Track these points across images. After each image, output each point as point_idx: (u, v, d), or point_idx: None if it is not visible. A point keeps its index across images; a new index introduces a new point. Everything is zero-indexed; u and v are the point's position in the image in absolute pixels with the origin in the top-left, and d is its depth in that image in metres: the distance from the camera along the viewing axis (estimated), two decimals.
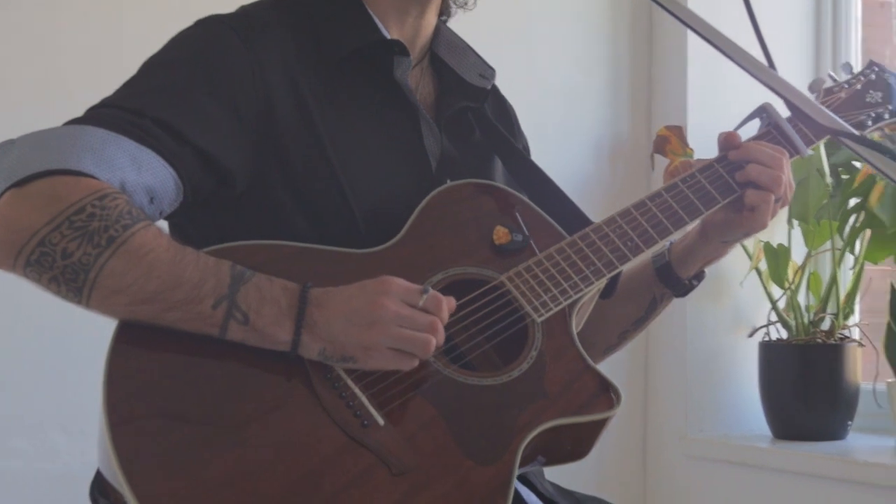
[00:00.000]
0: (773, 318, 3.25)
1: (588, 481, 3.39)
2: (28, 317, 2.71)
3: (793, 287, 3.21)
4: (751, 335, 3.31)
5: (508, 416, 1.62)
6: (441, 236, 1.75)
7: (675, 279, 1.97)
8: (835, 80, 2.03)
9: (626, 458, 3.48)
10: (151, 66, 1.72)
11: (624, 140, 3.49)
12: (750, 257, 3.24)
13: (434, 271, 1.71)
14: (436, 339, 1.58)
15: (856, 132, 1.51)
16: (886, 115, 2.00)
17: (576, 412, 1.66)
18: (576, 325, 1.74)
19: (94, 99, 1.68)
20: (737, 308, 3.38)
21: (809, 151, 1.89)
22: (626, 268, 1.79)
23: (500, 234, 1.76)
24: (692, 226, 1.87)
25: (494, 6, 3.19)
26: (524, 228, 1.77)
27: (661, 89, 3.47)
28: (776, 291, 3.25)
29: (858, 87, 2.01)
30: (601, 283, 1.77)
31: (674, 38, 3.37)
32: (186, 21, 1.77)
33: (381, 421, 1.57)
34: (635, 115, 3.50)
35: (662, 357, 3.42)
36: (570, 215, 1.84)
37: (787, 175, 1.85)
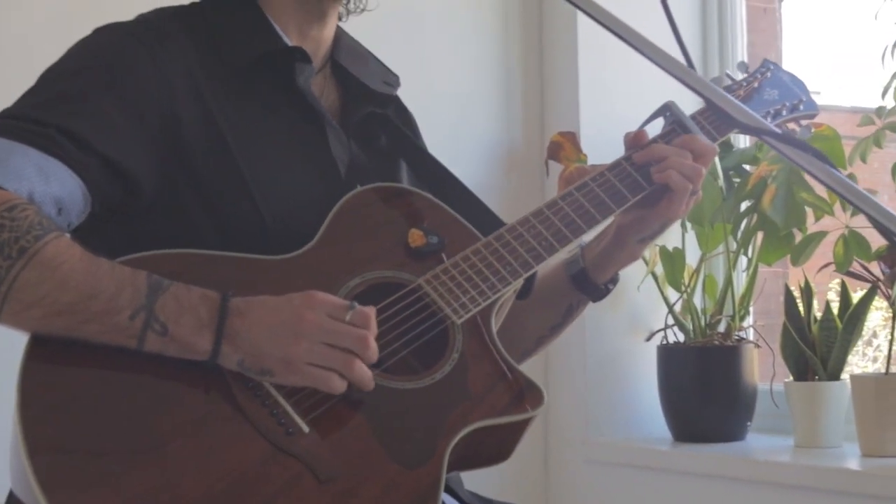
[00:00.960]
0: (671, 321, 3.28)
1: (491, 486, 3.37)
2: None
3: (689, 290, 3.24)
4: (648, 339, 3.34)
5: (434, 419, 1.61)
6: (356, 241, 1.73)
7: (590, 285, 1.97)
8: (732, 80, 2.06)
9: (528, 462, 3.47)
10: (53, 75, 1.69)
11: (517, 146, 3.50)
12: (646, 262, 3.26)
13: (351, 276, 1.69)
14: (365, 355, 1.56)
15: (777, 130, 1.52)
16: (784, 112, 2.03)
17: (501, 413, 1.65)
18: (495, 325, 1.74)
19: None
20: (634, 312, 3.40)
21: (715, 147, 1.91)
22: (541, 267, 1.79)
23: (415, 236, 1.75)
24: (604, 224, 1.87)
25: (384, 10, 3.20)
26: (438, 230, 1.76)
27: (553, 95, 3.49)
28: (672, 295, 3.27)
29: (756, 85, 2.04)
30: (518, 283, 1.76)
31: (565, 43, 3.39)
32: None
33: (305, 428, 1.55)
34: (528, 121, 3.51)
35: (562, 362, 3.43)
36: (482, 216, 1.83)
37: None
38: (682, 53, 1.60)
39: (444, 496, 1.79)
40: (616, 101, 3.32)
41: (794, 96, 2.04)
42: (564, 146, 3.28)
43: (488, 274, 1.73)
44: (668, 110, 1.91)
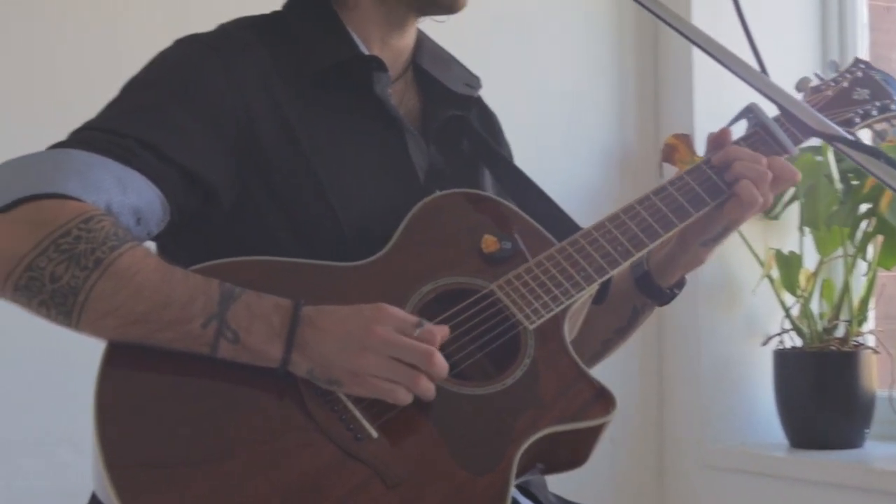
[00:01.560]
0: (787, 325, 3.23)
1: (604, 493, 3.38)
2: (33, 333, 2.71)
3: (805, 294, 3.19)
4: (764, 343, 3.29)
5: (503, 425, 1.61)
6: (430, 247, 1.74)
7: (655, 289, 1.95)
8: (821, 79, 2.02)
9: (643, 468, 3.45)
10: (133, 88, 1.73)
11: (632, 149, 3.48)
12: (762, 265, 3.22)
13: (424, 282, 1.70)
14: (433, 371, 1.57)
15: (846, 135, 1.49)
16: (875, 112, 1.98)
17: (572, 419, 1.64)
18: (568, 331, 1.73)
19: (88, 115, 1.69)
20: (750, 316, 3.36)
21: (797, 150, 1.87)
22: (616, 273, 1.78)
23: (489, 242, 1.75)
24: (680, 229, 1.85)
25: (497, 12, 3.21)
26: (513, 236, 1.76)
27: (668, 97, 3.46)
28: (789, 299, 3.22)
29: (845, 84, 1.99)
30: (592, 289, 1.75)
31: (680, 44, 3.36)
32: (179, 33, 1.78)
33: (374, 434, 1.56)
34: (643, 123, 3.49)
35: (676, 367, 3.40)
36: (559, 222, 1.83)
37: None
38: (754, 57, 1.58)
39: (524, 500, 1.80)
40: (731, 103, 3.25)
41: (886, 96, 1.99)
42: (679, 148, 3.26)
43: (562, 279, 1.73)
44: (750, 112, 1.88)
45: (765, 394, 3.28)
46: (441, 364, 1.57)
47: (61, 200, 1.56)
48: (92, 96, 1.75)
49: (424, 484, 1.55)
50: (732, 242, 3.19)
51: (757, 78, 1.51)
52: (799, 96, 1.98)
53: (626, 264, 1.77)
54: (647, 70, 3.50)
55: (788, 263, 3.19)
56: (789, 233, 3.26)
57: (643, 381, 3.43)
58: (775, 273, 3.23)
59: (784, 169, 1.83)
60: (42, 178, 1.57)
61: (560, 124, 3.36)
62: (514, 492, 1.76)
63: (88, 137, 1.64)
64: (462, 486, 1.56)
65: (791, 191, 3.22)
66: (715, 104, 3.35)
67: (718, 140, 1.87)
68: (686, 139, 3.25)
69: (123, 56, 2.41)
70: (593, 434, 1.67)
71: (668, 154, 3.25)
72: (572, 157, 3.37)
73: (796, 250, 3.20)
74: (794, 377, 3.17)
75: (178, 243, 1.74)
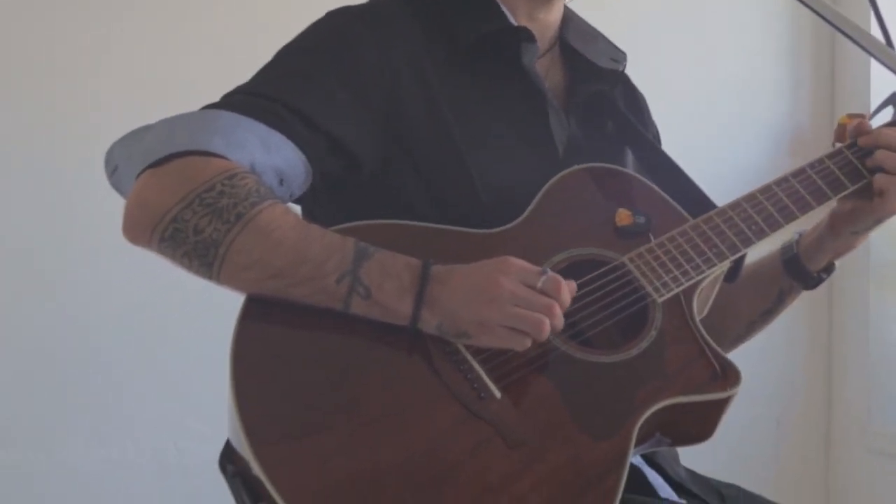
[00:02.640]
0: None
1: (767, 475, 3.35)
2: (159, 314, 2.84)
3: None
4: None
5: (625, 394, 1.64)
6: (564, 218, 1.77)
7: (803, 272, 1.95)
8: None
9: (809, 451, 3.42)
10: (283, 55, 1.80)
11: (804, 130, 3.43)
12: None
13: (556, 252, 1.73)
14: (552, 322, 1.59)
15: None
16: None
17: (694, 391, 1.66)
18: (698, 308, 1.74)
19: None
20: None
21: None
22: (749, 251, 1.78)
23: (623, 216, 1.77)
24: (819, 211, 1.84)
25: None
26: (648, 211, 1.78)
27: (844, 76, 3.40)
28: None
29: None
30: (724, 266, 1.77)
31: (856, 21, 3.29)
32: (317, 13, 1.84)
33: (497, 394, 1.60)
34: (817, 105, 3.44)
35: (845, 349, 3.35)
36: (697, 201, 1.84)
37: None
38: (881, 31, 1.56)
39: (650, 471, 1.82)
40: None
41: None
42: None
43: (693, 255, 1.74)
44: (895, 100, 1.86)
45: None
46: (560, 317, 1.60)
47: (207, 157, 1.63)
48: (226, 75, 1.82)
49: (545, 445, 1.58)
50: None
51: (883, 52, 1.50)
52: None
53: (759, 243, 1.77)
54: (823, 50, 3.44)
55: None
56: None
57: (811, 362, 3.39)
58: None
59: None
60: (189, 136, 1.65)
61: (731, 109, 3.34)
62: (639, 462, 1.80)
63: (238, 100, 1.71)
64: (581, 450, 1.59)
65: None
66: (892, 82, 3.27)
67: (858, 130, 1.87)
68: (860, 119, 3.18)
69: (257, 37, 2.48)
70: (717, 408, 1.68)
71: (841, 134, 3.19)
72: (743, 140, 3.35)
73: None
74: None
75: (318, 206, 1.81)
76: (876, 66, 3.27)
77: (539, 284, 1.60)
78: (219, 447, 1.64)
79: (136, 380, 2.91)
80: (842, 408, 3.39)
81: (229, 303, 1.64)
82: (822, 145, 3.36)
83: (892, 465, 3.24)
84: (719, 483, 1.94)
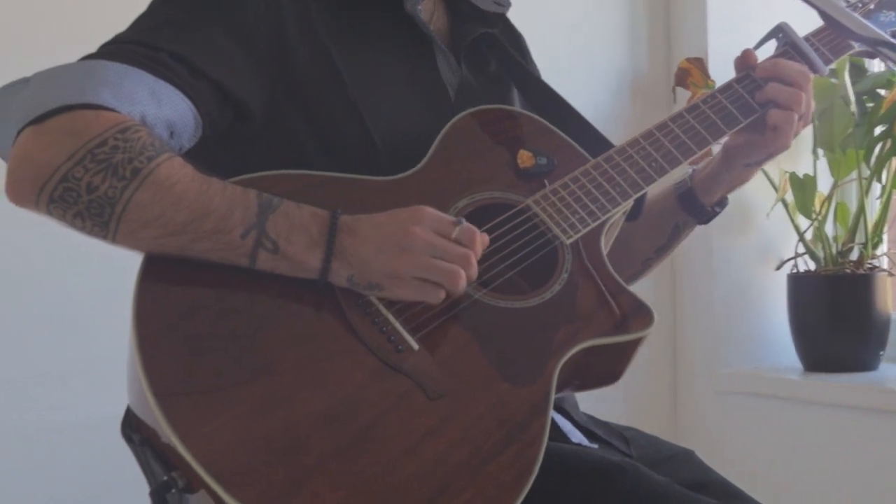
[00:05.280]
0: (801, 249, 3.22)
1: (617, 417, 3.38)
2: (44, 266, 2.69)
3: (820, 218, 3.18)
4: (779, 268, 3.29)
5: (543, 338, 1.61)
6: (465, 162, 1.73)
7: (697, 206, 1.96)
8: (847, 1, 2.00)
9: (657, 392, 3.47)
10: (162, 2, 1.71)
11: (643, 74, 3.46)
12: (776, 188, 3.21)
13: (459, 196, 1.69)
14: (467, 273, 1.56)
15: (890, 38, 1.48)
16: None
17: (611, 332, 1.65)
18: (604, 246, 1.73)
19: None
20: (764, 240, 3.35)
21: (826, 70, 1.88)
22: (651, 189, 1.78)
23: (525, 157, 1.74)
24: (715, 146, 1.85)
25: None
26: (548, 151, 1.76)
27: (680, 21, 3.44)
28: (803, 223, 3.22)
29: (871, 6, 1.98)
30: (628, 205, 1.76)
31: None
32: None
33: (415, 346, 1.56)
34: (654, 48, 3.47)
35: (690, 291, 3.41)
36: (592, 139, 1.82)
37: (808, 93, 1.83)
38: None
39: (557, 417, 1.80)
40: (745, 24, 3.25)
41: None
42: (692, 72, 3.24)
43: (598, 195, 1.73)
44: (780, 31, 1.89)
45: (779, 318, 3.29)
46: (475, 267, 1.57)
47: (96, 111, 1.54)
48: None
49: (466, 396, 1.54)
50: None
51: None
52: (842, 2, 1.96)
53: (659, 180, 1.78)
54: None
55: (803, 186, 3.18)
56: (803, 156, 3.25)
57: (657, 306, 3.39)
58: (789, 197, 3.22)
59: (789, 71, 1.83)
60: (75, 89, 1.55)
61: (571, 52, 3.33)
62: None
63: (120, 50, 1.62)
64: (503, 398, 1.55)
65: None
66: (728, 27, 3.33)
67: (743, 62, 1.88)
68: (699, 63, 3.23)
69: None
70: (631, 348, 1.67)
71: (682, 78, 3.23)
72: (583, 85, 3.35)
73: (811, 173, 3.19)
74: (808, 301, 3.17)
75: (210, 160, 1.72)
76: (712, 9, 3.33)
77: (454, 234, 1.56)
78: None
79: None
80: (688, 350, 3.45)
81: None
82: (662, 90, 3.41)
83: (738, 402, 3.31)
84: (618, 426, 1.94)
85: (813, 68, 1.87)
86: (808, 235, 3.22)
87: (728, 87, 1.86)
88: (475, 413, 1.54)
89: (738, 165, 1.91)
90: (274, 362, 1.51)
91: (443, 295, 1.56)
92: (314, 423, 1.48)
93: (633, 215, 1.82)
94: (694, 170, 1.96)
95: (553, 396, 1.57)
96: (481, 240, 1.59)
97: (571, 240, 1.69)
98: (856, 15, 1.47)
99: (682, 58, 3.29)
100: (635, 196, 1.75)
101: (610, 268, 1.70)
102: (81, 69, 1.59)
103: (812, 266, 3.21)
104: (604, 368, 1.69)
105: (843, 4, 1.97)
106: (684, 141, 1.81)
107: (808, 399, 3.12)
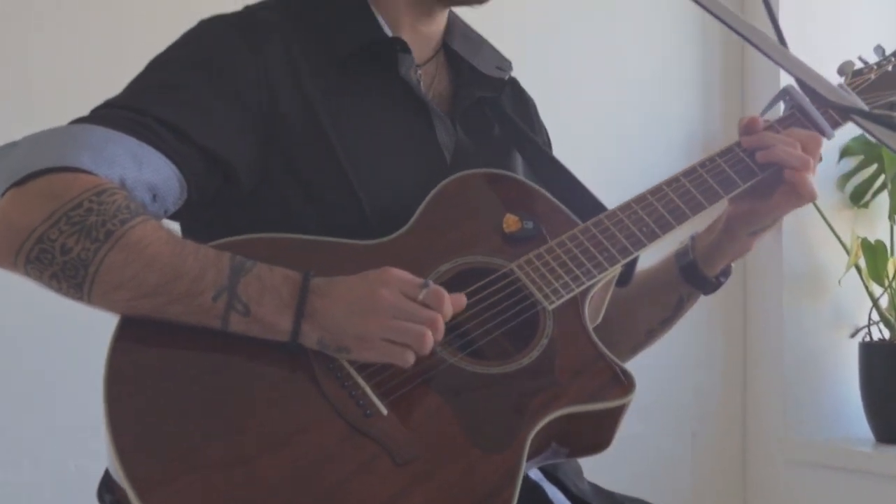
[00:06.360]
0: (875, 317, 3.14)
1: (685, 487, 3.32)
2: (28, 322, 2.74)
3: (894, 285, 3.10)
4: (852, 336, 3.21)
5: (518, 404, 1.59)
6: (450, 225, 1.72)
7: (701, 278, 1.91)
8: (865, 63, 1.96)
9: (726, 461, 3.39)
10: (154, 66, 1.74)
11: (715, 134, 3.42)
12: (848, 254, 3.14)
13: (442, 261, 1.68)
14: (434, 335, 1.55)
15: (863, 106, 1.44)
16: None
17: (588, 399, 1.62)
18: (590, 315, 1.70)
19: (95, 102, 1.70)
20: (836, 307, 3.28)
21: (834, 133, 1.83)
22: (642, 254, 1.74)
23: (510, 221, 1.73)
24: (712, 210, 1.81)
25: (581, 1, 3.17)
26: (536, 216, 1.74)
27: (754, 81, 3.39)
28: (877, 290, 3.14)
29: (889, 68, 1.93)
30: (615, 271, 1.73)
31: (768, 25, 3.28)
32: (188, 23, 1.78)
33: (384, 410, 1.55)
34: (728, 106, 3.43)
35: (760, 358, 3.34)
36: (590, 206, 1.80)
37: (816, 158, 1.80)
38: (773, 29, 1.53)
39: (549, 487, 1.77)
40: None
41: None
42: None
43: (584, 260, 1.70)
44: (787, 94, 1.85)
45: (851, 387, 3.20)
46: (442, 330, 1.55)
47: (74, 174, 1.57)
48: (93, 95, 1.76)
49: (435, 462, 1.53)
50: (818, 230, 3.13)
51: (776, 51, 1.47)
52: (840, 80, 1.92)
53: (650, 245, 1.74)
54: (733, 50, 3.43)
55: (876, 252, 3.11)
56: (878, 221, 3.18)
57: (726, 373, 3.36)
58: (863, 263, 3.14)
59: (804, 134, 1.81)
60: (56, 152, 1.58)
61: (642, 110, 3.31)
62: (538, 477, 1.76)
63: (107, 114, 1.65)
64: (473, 464, 1.54)
65: (880, 178, 3.14)
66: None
67: (749, 127, 1.84)
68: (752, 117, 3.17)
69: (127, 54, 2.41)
70: (613, 416, 1.64)
71: None
72: (654, 143, 3.32)
73: (885, 239, 3.12)
74: (881, 370, 3.09)
75: (198, 221, 1.75)
76: (786, 73, 3.27)
77: (420, 296, 1.55)
78: None
79: (33, 397, 2.80)
80: (758, 418, 3.37)
81: None
82: None
83: (809, 473, 3.22)
84: (624, 497, 1.89)
85: (820, 131, 1.83)
86: (883, 303, 3.13)
87: (728, 150, 1.83)
88: (443, 480, 1.53)
89: (742, 235, 1.87)
90: (242, 425, 1.52)
91: (411, 357, 1.55)
92: (277, 485, 1.48)
93: (622, 281, 1.79)
94: (693, 238, 1.91)
95: (523, 465, 1.54)
96: (456, 302, 1.58)
97: (554, 305, 1.67)
98: (826, 79, 1.43)
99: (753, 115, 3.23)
100: (623, 262, 1.72)
101: (592, 334, 1.67)
102: (66, 133, 1.62)
103: (886, 334, 3.12)
104: (589, 436, 1.66)
105: (853, 73, 1.93)
106: (679, 206, 1.77)
107: (879, 472, 3.03)
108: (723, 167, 1.80)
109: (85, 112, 1.68)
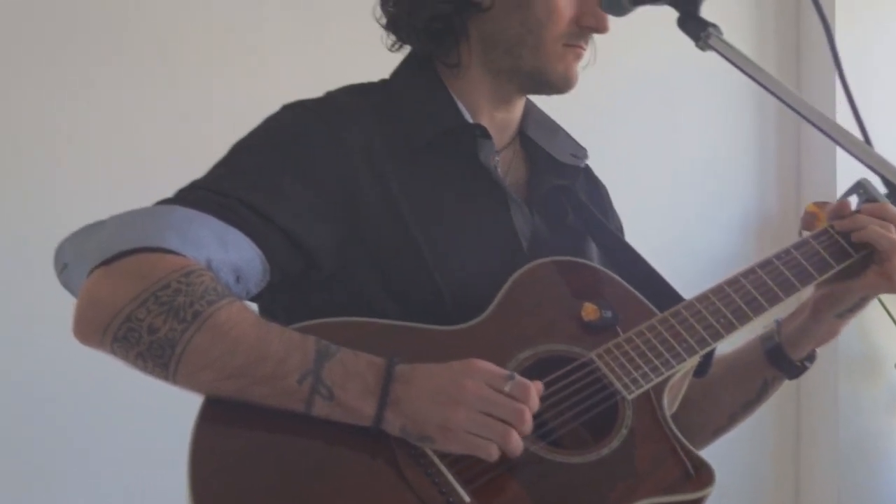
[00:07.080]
0: None
1: None
2: (109, 393, 2.77)
3: None
4: None
5: (597, 495, 1.60)
6: (529, 313, 1.73)
7: (786, 362, 1.92)
8: None
9: None
10: (239, 150, 1.76)
11: (772, 216, 3.42)
12: None
13: (522, 348, 1.69)
14: (520, 428, 1.55)
15: None
16: None
17: (665, 491, 1.62)
18: (668, 403, 1.71)
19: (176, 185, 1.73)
20: (892, 389, 3.26)
21: None
22: (720, 345, 1.75)
23: (589, 310, 1.74)
24: (791, 301, 1.82)
25: (636, 77, 3.19)
26: (614, 305, 1.75)
27: (810, 164, 3.40)
28: None
29: None
30: (694, 361, 1.73)
31: (822, 110, 3.30)
32: (273, 107, 1.81)
33: (467, 499, 1.55)
34: (783, 190, 3.44)
35: (814, 441, 3.32)
36: (664, 295, 1.81)
37: None
38: (859, 128, 1.56)
39: None
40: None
41: None
42: (819, 216, 3.17)
43: (662, 350, 1.71)
44: (861, 187, 1.87)
45: None
46: (530, 422, 1.56)
47: (162, 254, 1.59)
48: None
49: None
50: (873, 312, 3.11)
51: (861, 149, 1.50)
52: None
53: (728, 337, 1.75)
54: (789, 137, 3.45)
55: None
56: None
57: (779, 457, 3.35)
58: None
59: (891, 211, 1.83)
60: (144, 233, 1.61)
61: (698, 192, 3.33)
62: None
63: (192, 195, 1.68)
64: None
65: None
66: (858, 172, 3.27)
67: (839, 212, 1.85)
68: (826, 206, 3.17)
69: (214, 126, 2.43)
70: None
71: (809, 222, 3.16)
72: (710, 225, 3.33)
73: None
74: None
75: (278, 304, 1.76)
76: (841, 153, 3.28)
77: (507, 388, 1.56)
78: None
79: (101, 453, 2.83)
80: (810, 499, 3.35)
81: None
82: (790, 232, 3.36)
83: None
84: None
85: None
86: None
87: (803, 243, 1.84)
88: None
89: (828, 317, 1.88)
90: None
91: (496, 451, 1.55)
92: None
93: (700, 371, 1.79)
94: (779, 323, 1.92)
95: None
96: (537, 391, 1.58)
97: (633, 395, 1.67)
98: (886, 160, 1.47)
99: (811, 200, 3.24)
100: (702, 352, 1.73)
101: (671, 424, 1.68)
102: (152, 213, 1.65)
103: None
104: None
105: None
106: (756, 297, 1.78)
107: None
108: (798, 259, 1.83)
109: (172, 190, 1.71)
